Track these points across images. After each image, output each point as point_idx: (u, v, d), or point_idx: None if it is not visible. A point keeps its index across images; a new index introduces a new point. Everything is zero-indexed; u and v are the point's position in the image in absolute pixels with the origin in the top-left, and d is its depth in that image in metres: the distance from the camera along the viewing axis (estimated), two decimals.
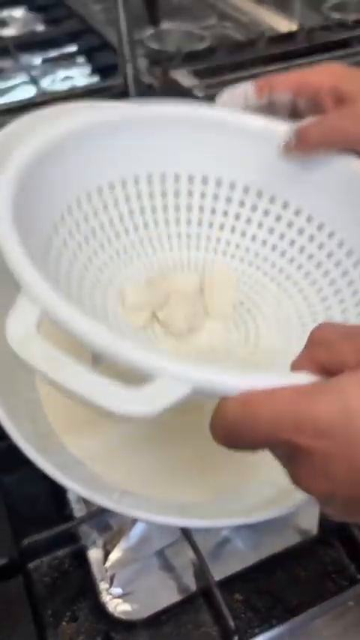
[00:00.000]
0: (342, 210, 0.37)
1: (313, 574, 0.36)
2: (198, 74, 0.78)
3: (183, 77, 0.76)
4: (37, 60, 1.02)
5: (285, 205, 0.39)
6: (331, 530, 0.37)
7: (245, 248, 0.41)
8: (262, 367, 0.36)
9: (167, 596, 0.36)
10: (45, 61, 1.01)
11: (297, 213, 0.39)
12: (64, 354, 0.21)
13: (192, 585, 0.37)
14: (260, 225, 0.40)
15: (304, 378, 0.20)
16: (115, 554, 0.38)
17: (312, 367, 0.20)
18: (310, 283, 0.38)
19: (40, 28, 1.15)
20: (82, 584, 0.36)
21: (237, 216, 0.40)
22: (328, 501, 0.20)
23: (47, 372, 0.21)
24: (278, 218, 0.39)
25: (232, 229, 0.41)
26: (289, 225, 0.39)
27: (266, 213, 0.40)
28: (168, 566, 0.39)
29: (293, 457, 0.19)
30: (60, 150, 0.33)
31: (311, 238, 0.38)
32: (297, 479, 0.20)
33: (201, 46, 1.04)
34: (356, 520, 0.22)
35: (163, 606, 0.35)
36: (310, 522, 0.40)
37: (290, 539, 0.39)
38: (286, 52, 0.85)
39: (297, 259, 0.39)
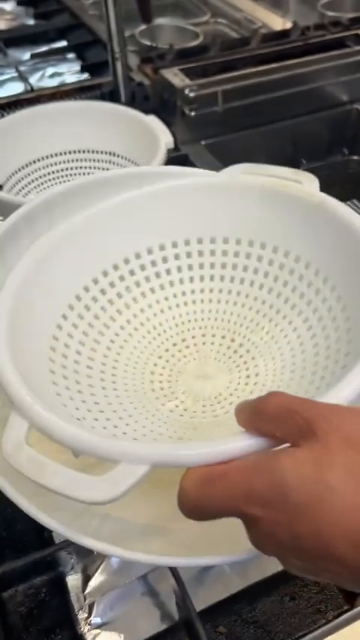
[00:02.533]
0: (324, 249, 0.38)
1: (300, 602, 0.35)
2: (189, 73, 0.76)
3: (174, 76, 0.74)
4: (25, 55, 0.99)
5: (275, 250, 0.40)
6: None
7: (244, 293, 0.42)
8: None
9: (149, 625, 0.35)
10: (34, 56, 0.98)
11: (286, 255, 0.40)
12: (45, 458, 0.25)
13: (175, 613, 0.36)
14: (256, 271, 0.41)
15: (251, 445, 0.23)
16: (95, 581, 0.37)
17: (261, 434, 0.23)
18: (304, 320, 0.38)
19: (30, 22, 1.12)
20: (59, 614, 0.34)
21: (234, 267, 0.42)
22: (285, 562, 0.22)
23: (31, 476, 0.25)
24: (271, 262, 0.41)
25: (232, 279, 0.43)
26: (281, 267, 0.40)
27: (259, 259, 0.41)
28: (151, 593, 0.37)
29: (248, 524, 0.22)
30: (55, 252, 0.36)
31: (300, 277, 0.39)
32: (253, 542, 0.23)
33: (194, 42, 1.02)
34: (320, 579, 0.22)
35: (144, 637, 0.34)
36: None
37: (278, 565, 0.38)
38: (280, 51, 0.83)
39: (291, 299, 0.40)
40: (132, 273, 0.41)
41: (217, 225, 0.41)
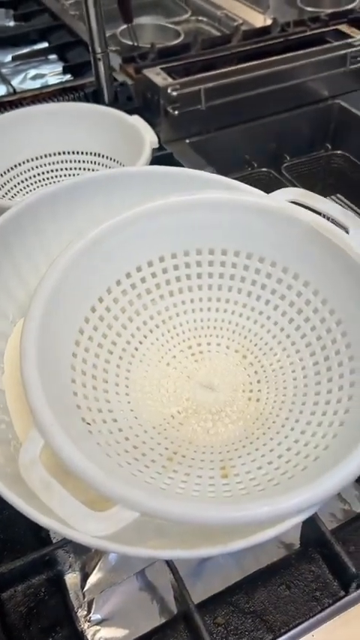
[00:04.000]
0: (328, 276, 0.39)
1: (295, 591, 0.35)
2: (171, 72, 0.77)
3: (156, 75, 0.74)
4: (7, 57, 0.99)
5: (285, 270, 0.41)
6: (313, 545, 0.37)
7: (258, 310, 0.43)
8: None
9: (148, 619, 0.35)
10: (15, 58, 0.98)
11: (295, 277, 0.41)
12: (55, 481, 0.27)
13: (174, 607, 0.36)
14: (274, 291, 0.42)
15: None
16: (93, 578, 0.37)
17: None
18: (311, 353, 0.40)
19: (10, 23, 1.12)
20: (59, 612, 0.34)
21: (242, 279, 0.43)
22: None
23: (40, 495, 0.27)
24: (279, 281, 0.42)
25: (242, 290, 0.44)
26: (298, 295, 0.41)
27: (269, 275, 0.42)
28: (149, 588, 0.38)
29: None
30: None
31: (315, 310, 0.40)
32: None
33: (175, 41, 1.02)
34: None
35: (143, 631, 0.34)
36: (293, 536, 0.39)
37: (274, 555, 0.39)
38: (261, 48, 0.83)
39: (302, 328, 0.41)
40: (154, 275, 0.42)
41: (247, 241, 0.41)
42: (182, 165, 0.73)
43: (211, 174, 0.43)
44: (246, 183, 0.88)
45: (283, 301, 0.42)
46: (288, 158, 0.87)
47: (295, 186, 0.81)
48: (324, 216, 0.39)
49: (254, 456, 0.36)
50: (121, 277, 0.41)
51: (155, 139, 0.57)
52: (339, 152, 0.88)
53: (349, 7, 1.02)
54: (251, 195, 0.41)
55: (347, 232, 0.38)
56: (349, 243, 0.37)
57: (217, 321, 0.44)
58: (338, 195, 0.64)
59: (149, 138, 0.56)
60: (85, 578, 0.37)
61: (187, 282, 0.43)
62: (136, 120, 0.59)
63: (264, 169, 0.85)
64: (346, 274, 0.37)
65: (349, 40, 0.82)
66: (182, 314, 0.44)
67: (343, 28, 0.86)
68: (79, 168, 0.66)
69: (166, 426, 0.39)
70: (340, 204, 0.64)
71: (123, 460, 0.33)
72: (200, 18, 1.12)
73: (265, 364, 0.42)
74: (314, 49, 0.82)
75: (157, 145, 0.57)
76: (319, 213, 0.39)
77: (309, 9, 1.10)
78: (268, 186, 0.86)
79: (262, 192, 0.42)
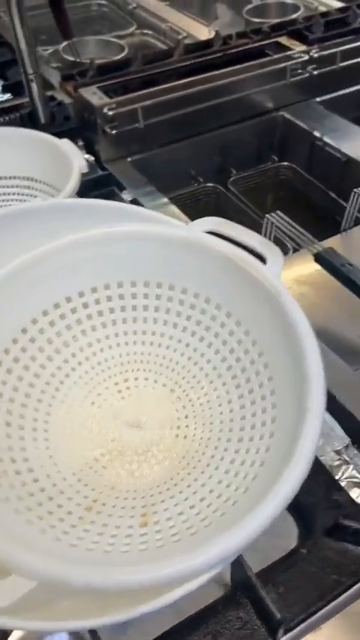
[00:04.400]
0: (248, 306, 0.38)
1: None
2: (108, 90, 0.75)
3: (92, 95, 0.73)
4: None
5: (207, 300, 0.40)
6: (240, 588, 0.36)
7: (185, 342, 0.42)
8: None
9: None
10: None
11: (218, 308, 0.40)
12: None
13: None
14: (199, 322, 0.41)
15: None
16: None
17: None
18: (239, 396, 0.38)
19: None
20: None
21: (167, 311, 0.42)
22: None
23: None
24: (203, 312, 0.41)
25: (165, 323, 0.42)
26: (222, 325, 0.40)
27: (192, 307, 0.41)
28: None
29: None
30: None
31: (239, 342, 0.39)
32: None
33: (119, 56, 1.01)
34: None
35: None
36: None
37: (196, 605, 0.37)
38: (201, 63, 0.83)
39: (227, 359, 0.40)
40: (73, 311, 0.40)
41: (168, 273, 0.40)
42: (122, 185, 0.72)
43: (131, 206, 0.42)
44: (192, 199, 0.88)
45: (208, 332, 0.41)
46: (234, 172, 0.87)
47: (241, 200, 0.81)
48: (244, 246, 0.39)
49: (177, 500, 0.35)
50: (37, 315, 0.39)
51: (84, 163, 0.55)
52: (285, 164, 0.88)
53: (294, 16, 1.02)
54: (169, 227, 0.40)
55: (265, 262, 0.37)
56: (264, 274, 0.36)
57: (145, 355, 0.43)
58: (278, 212, 0.64)
59: (77, 163, 0.55)
60: (4, 637, 0.35)
61: (110, 315, 0.42)
62: (66, 144, 0.58)
63: (210, 184, 0.85)
64: (264, 305, 0.36)
65: (289, 53, 0.82)
66: (107, 349, 0.42)
67: (283, 40, 0.85)
68: (14, 193, 0.64)
69: (87, 472, 0.37)
70: (279, 222, 0.63)
71: (34, 515, 0.32)
72: (145, 31, 1.11)
73: (192, 398, 0.41)
74: (254, 62, 0.82)
75: (86, 170, 0.55)
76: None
77: (255, 20, 1.10)
78: (215, 201, 0.85)
79: (181, 223, 0.41)
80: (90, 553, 0.30)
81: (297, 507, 0.40)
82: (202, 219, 0.40)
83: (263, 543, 0.40)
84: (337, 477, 0.41)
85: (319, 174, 0.83)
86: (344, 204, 0.72)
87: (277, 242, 0.69)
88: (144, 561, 0.29)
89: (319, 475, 0.41)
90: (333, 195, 0.79)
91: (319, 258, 0.58)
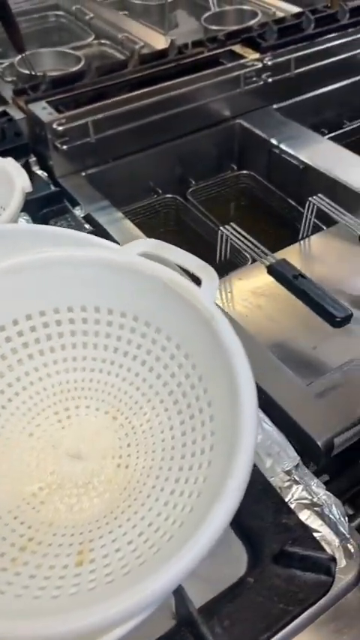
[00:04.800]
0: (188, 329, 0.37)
1: None
2: (59, 104, 0.74)
3: (42, 110, 0.71)
4: None
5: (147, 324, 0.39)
6: (183, 623, 0.34)
7: (126, 366, 0.41)
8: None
9: None
10: None
11: (158, 331, 0.39)
12: None
13: None
14: (139, 346, 0.40)
15: None
16: None
17: None
18: (174, 402, 0.38)
19: None
20: None
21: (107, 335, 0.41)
22: None
23: None
24: (144, 335, 0.39)
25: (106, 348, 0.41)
26: (163, 349, 0.39)
27: (133, 330, 0.40)
28: None
29: None
30: None
31: (180, 366, 0.38)
32: None
33: (75, 67, 1.00)
34: None
35: None
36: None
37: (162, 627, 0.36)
38: (155, 74, 0.82)
39: (169, 384, 0.39)
40: (8, 340, 0.39)
41: (104, 296, 0.39)
42: (75, 201, 0.70)
43: (63, 230, 0.41)
44: (152, 211, 0.87)
45: (149, 356, 0.40)
46: (193, 182, 0.86)
47: (200, 211, 0.80)
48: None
49: (116, 535, 0.34)
50: None
51: (28, 183, 0.54)
52: (245, 172, 0.88)
53: (250, 23, 1.02)
54: (101, 250, 0.39)
55: (200, 284, 0.37)
56: (198, 298, 0.35)
57: (86, 382, 0.41)
58: (232, 224, 0.63)
59: (21, 183, 0.53)
60: None
61: (47, 343, 0.41)
62: (9, 163, 0.56)
63: (169, 196, 0.84)
64: (201, 328, 0.35)
65: (242, 61, 0.82)
66: (46, 377, 0.41)
67: (237, 48, 0.85)
68: None
69: (25, 508, 0.36)
70: (233, 234, 0.63)
71: None
72: (103, 41, 1.10)
73: (135, 425, 0.39)
74: (208, 71, 0.81)
75: (30, 189, 0.54)
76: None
77: (213, 27, 1.10)
78: (175, 212, 0.84)
79: (115, 246, 0.40)
80: (18, 601, 0.29)
81: (246, 532, 0.39)
82: (136, 241, 0.39)
83: (212, 572, 0.39)
84: (286, 499, 0.40)
85: (278, 182, 0.82)
86: (303, 211, 0.72)
87: (235, 253, 0.68)
88: (72, 608, 0.28)
89: (269, 498, 0.40)
90: (292, 202, 0.79)
91: (271, 270, 0.58)
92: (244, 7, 1.16)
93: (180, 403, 0.38)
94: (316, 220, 0.70)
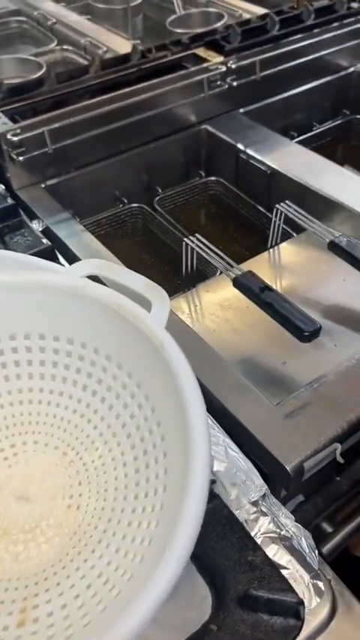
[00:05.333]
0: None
1: None
2: (15, 114, 0.71)
3: None
4: None
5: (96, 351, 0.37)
6: None
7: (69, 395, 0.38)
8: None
9: None
10: None
11: (109, 358, 0.36)
12: None
13: None
14: (89, 375, 0.37)
15: None
16: None
17: None
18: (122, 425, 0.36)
19: None
20: None
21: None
22: None
23: None
24: (93, 363, 0.37)
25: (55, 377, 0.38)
26: (114, 378, 0.36)
27: (81, 358, 0.37)
28: None
29: None
30: None
31: (132, 396, 0.36)
32: None
33: (37, 74, 0.97)
34: None
35: None
36: None
37: None
38: (116, 79, 0.79)
39: (121, 416, 0.36)
40: None
41: (49, 323, 0.37)
42: (34, 214, 0.67)
43: (4, 252, 0.38)
44: (118, 221, 0.84)
45: (100, 386, 0.37)
46: (160, 190, 0.83)
47: (167, 220, 0.77)
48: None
49: (63, 587, 0.31)
50: None
51: None
52: (213, 178, 0.85)
53: (215, 26, 1.00)
54: (44, 274, 0.36)
55: (150, 306, 0.34)
56: (147, 323, 0.32)
57: (33, 415, 0.38)
58: (197, 235, 0.60)
59: None
60: None
61: None
62: None
63: (135, 205, 0.81)
64: (151, 355, 0.33)
65: (205, 65, 0.79)
66: None
67: (200, 52, 0.83)
68: None
69: None
70: (198, 246, 0.60)
71: None
72: (66, 47, 1.07)
73: (87, 461, 0.37)
74: (171, 76, 0.78)
75: None
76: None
77: (179, 30, 1.07)
78: (142, 222, 0.81)
79: (60, 268, 0.37)
80: None
81: (209, 572, 0.36)
82: (81, 262, 0.36)
83: (175, 616, 0.36)
84: (253, 533, 0.37)
85: (246, 188, 0.80)
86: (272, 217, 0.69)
87: (203, 263, 0.66)
88: None
89: (234, 533, 0.37)
90: (261, 208, 0.77)
91: (237, 283, 0.55)
92: (210, 9, 1.13)
93: (133, 437, 0.35)
94: (285, 227, 0.67)
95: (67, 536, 0.34)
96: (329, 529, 0.62)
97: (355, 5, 0.92)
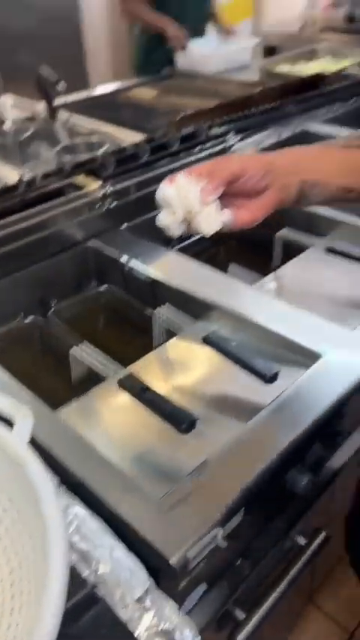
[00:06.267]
0: None
1: None
2: None
3: None
4: None
5: None
6: None
7: None
8: None
9: None
10: None
11: None
12: None
13: None
14: None
15: None
16: None
17: None
18: None
19: None
20: None
21: None
22: None
23: None
24: None
25: None
26: None
27: None
28: None
29: None
30: None
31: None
32: None
33: None
34: None
35: None
36: None
37: None
38: (4, 208, 0.86)
39: None
40: None
41: None
42: None
43: None
44: (14, 335, 0.87)
45: None
46: (53, 304, 0.88)
47: (64, 330, 0.81)
48: None
49: None
50: None
51: None
52: (105, 286, 0.92)
53: (97, 153, 1.12)
54: None
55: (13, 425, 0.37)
56: (8, 441, 0.35)
57: None
58: (86, 342, 0.65)
59: None
60: None
61: None
62: None
63: (30, 318, 0.85)
64: (17, 474, 0.35)
65: (84, 191, 0.88)
66: None
67: (79, 179, 0.92)
68: None
69: None
70: (85, 353, 0.65)
71: None
72: None
73: None
74: (54, 202, 0.86)
75: None
76: None
77: (65, 158, 1.19)
78: (39, 334, 0.85)
79: None
80: None
81: None
82: None
83: None
84: (136, 633, 0.39)
85: (135, 294, 0.87)
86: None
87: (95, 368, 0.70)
88: None
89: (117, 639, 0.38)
90: (148, 313, 0.83)
91: (121, 384, 0.60)
92: (92, 140, 1.27)
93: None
94: (167, 327, 0.74)
95: None
96: (242, 615, 0.63)
97: (213, 132, 1.07)
